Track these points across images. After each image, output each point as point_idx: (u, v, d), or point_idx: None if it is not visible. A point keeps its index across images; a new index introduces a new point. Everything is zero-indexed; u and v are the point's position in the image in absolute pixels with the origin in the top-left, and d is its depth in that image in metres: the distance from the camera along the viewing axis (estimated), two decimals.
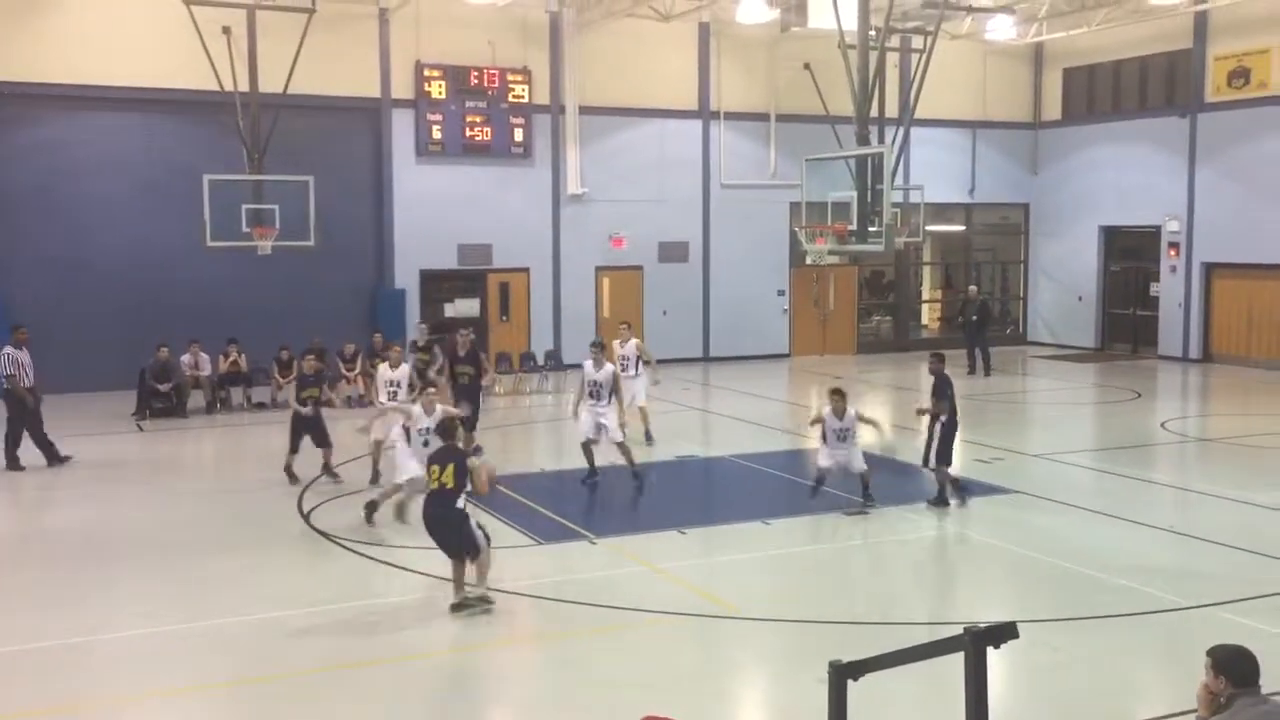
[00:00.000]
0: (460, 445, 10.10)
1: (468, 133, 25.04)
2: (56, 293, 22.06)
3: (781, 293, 28.50)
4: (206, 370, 20.76)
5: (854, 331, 29.71)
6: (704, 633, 9.36)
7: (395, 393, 14.35)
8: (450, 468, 9.64)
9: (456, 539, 9.67)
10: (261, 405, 20.80)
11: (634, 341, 17.35)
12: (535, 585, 10.35)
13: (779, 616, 9.58)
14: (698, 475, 15.76)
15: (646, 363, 17.29)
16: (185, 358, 20.61)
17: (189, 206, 20.72)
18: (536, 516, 12.85)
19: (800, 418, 19.66)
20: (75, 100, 22.18)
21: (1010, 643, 4.40)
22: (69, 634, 9.26)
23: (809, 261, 20.72)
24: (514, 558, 11.33)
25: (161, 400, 20.00)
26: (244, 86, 21.14)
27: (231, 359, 21.13)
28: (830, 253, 19.00)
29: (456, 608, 9.63)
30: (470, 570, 9.74)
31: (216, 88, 20.92)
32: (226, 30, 21.51)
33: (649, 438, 16.74)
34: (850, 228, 18.07)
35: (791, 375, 26.29)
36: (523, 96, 25.39)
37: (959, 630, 4.45)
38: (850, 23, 18.81)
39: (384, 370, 14.65)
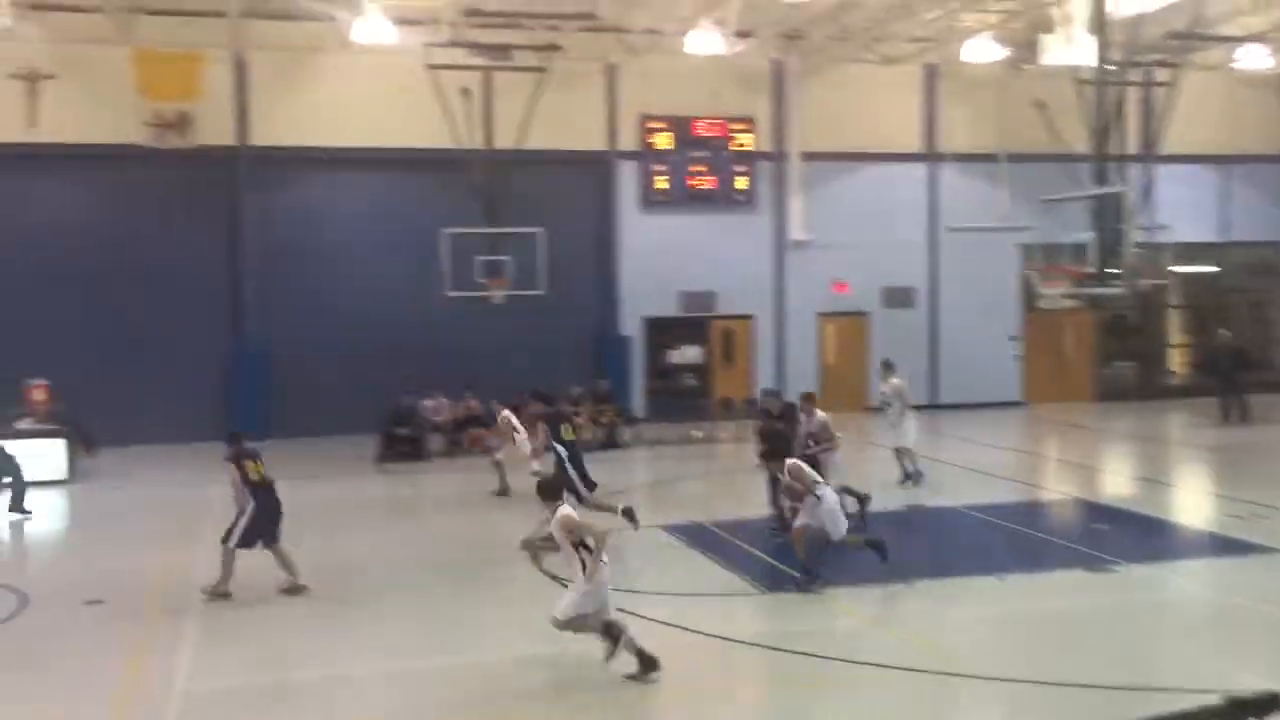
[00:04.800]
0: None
1: (691, 182, 25.42)
2: (307, 340, 23.46)
3: (1013, 338, 27.50)
4: (445, 415, 21.70)
5: (1091, 378, 28.31)
6: (934, 690, 9.02)
7: None
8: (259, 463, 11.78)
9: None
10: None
11: (894, 381, 17.26)
12: (757, 634, 10.26)
13: (1011, 676, 9.16)
14: (926, 526, 15.30)
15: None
16: (427, 403, 21.62)
17: (426, 258, 21.74)
18: (760, 563, 12.78)
19: (1034, 466, 18.83)
20: (330, 163, 23.78)
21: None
22: (322, 665, 9.77)
23: (1042, 306, 19.92)
24: (734, 606, 11.28)
25: (403, 444, 21.01)
26: (480, 144, 22.19)
27: (469, 404, 22.01)
28: (1065, 296, 18.28)
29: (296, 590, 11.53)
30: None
31: (454, 145, 22.01)
32: (466, 91, 22.63)
33: (909, 477, 16.80)
34: (1088, 270, 17.35)
35: (1024, 424, 25.27)
36: (746, 144, 25.61)
37: (1212, 698, 4.14)
38: (1087, 57, 18.15)
39: None
